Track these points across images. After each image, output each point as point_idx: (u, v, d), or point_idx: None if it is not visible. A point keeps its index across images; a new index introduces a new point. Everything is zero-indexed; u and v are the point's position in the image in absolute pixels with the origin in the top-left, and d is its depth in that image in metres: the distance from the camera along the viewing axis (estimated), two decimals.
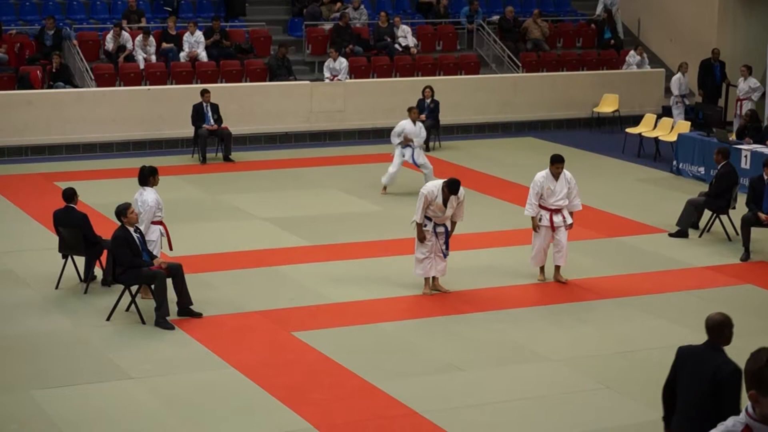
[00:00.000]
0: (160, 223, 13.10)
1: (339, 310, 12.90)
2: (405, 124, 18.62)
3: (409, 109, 19.02)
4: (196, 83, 22.74)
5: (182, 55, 23.41)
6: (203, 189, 18.75)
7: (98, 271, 13.58)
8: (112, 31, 23.10)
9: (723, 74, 24.54)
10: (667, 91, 25.94)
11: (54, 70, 21.95)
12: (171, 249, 13.26)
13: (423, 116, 21.50)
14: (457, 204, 13.18)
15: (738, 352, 11.96)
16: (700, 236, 16.15)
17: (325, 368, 11.16)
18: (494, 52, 25.85)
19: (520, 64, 25.37)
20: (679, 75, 23.82)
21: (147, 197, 12.94)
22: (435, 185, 13.21)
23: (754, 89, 22.89)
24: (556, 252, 13.92)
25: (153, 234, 12.90)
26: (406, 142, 18.51)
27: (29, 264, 14.43)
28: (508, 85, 24.70)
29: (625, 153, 22.17)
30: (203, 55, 23.43)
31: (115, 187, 17.80)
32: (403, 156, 18.50)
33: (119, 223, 12.39)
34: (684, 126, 21.51)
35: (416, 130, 18.61)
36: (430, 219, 13.26)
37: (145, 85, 22.67)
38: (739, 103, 23.02)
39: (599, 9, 27.65)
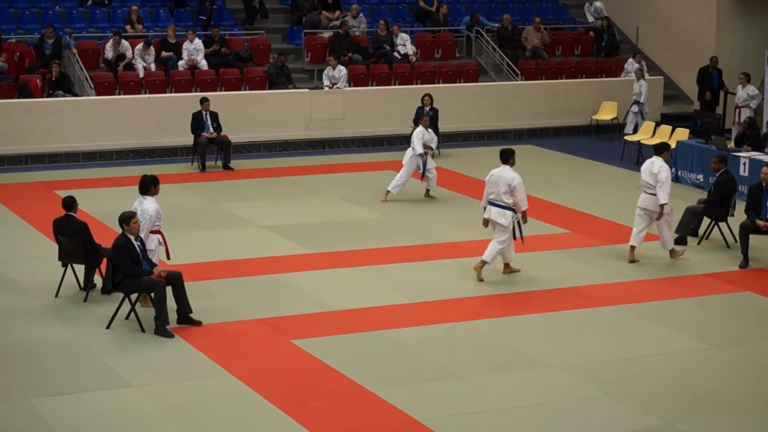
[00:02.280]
0: (158, 232, 13.12)
1: (339, 318, 12.91)
2: (422, 132, 18.60)
3: (421, 117, 19.20)
4: (196, 91, 22.76)
5: (181, 63, 23.44)
6: (203, 197, 18.76)
7: (98, 279, 13.59)
8: (111, 40, 23.13)
9: (721, 82, 24.59)
10: (666, 99, 26.05)
11: (54, 79, 21.98)
12: (169, 258, 13.27)
13: None
14: None
15: (737, 359, 12.02)
16: (698, 243, 16.17)
17: (325, 376, 11.17)
18: (493, 59, 25.89)
19: (519, 72, 25.41)
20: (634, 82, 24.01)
21: (147, 206, 12.96)
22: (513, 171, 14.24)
23: (752, 97, 22.93)
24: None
25: (151, 243, 12.92)
26: (426, 149, 18.54)
27: (29, 272, 14.44)
28: (507, 93, 24.73)
29: (624, 160, 22.20)
30: (203, 63, 23.46)
31: (115, 196, 17.82)
32: (418, 165, 18.46)
33: (119, 231, 12.41)
34: (682, 134, 21.55)
35: (431, 137, 18.71)
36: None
37: (145, 93, 22.69)
38: (737, 110, 23.06)
39: (589, 18, 27.76)
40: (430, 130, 18.84)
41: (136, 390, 10.80)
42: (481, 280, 14.23)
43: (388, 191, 18.49)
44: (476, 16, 26.50)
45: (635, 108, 23.87)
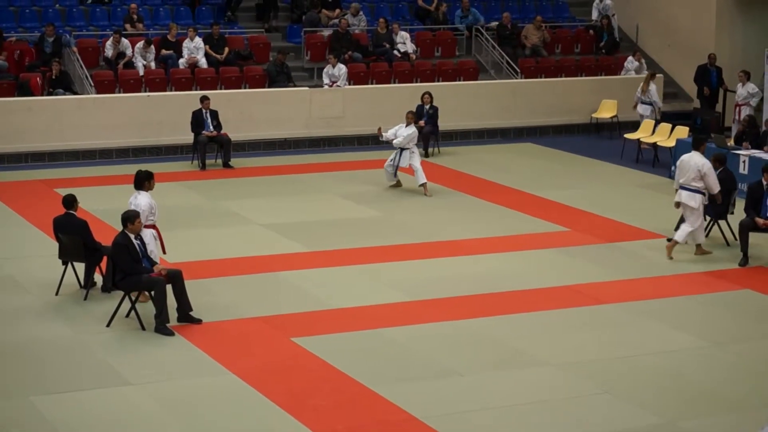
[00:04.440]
0: (153, 227, 13.14)
1: (339, 316, 12.92)
2: (399, 126, 19.05)
3: (407, 113, 19.45)
4: (196, 90, 22.77)
5: (181, 61, 23.44)
6: (203, 195, 18.77)
7: (98, 278, 13.60)
8: (111, 38, 23.13)
9: (720, 79, 24.57)
10: (666, 97, 26.01)
11: (54, 77, 21.98)
12: (164, 252, 13.27)
13: (422, 122, 21.57)
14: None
15: (737, 357, 12.03)
16: None
17: (325, 374, 11.18)
18: (493, 58, 25.89)
19: (518, 70, 25.41)
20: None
21: (140, 201, 13.00)
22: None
23: (752, 95, 22.91)
24: None
25: (145, 238, 12.93)
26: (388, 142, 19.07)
27: (29, 270, 14.45)
28: (506, 91, 24.73)
29: (624, 158, 22.20)
30: (203, 62, 23.46)
31: (115, 194, 17.80)
32: (393, 160, 18.93)
33: (119, 229, 12.41)
34: (682, 132, 21.55)
35: (402, 132, 18.93)
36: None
37: (145, 91, 22.69)
38: (737, 108, 23.04)
39: (594, 15, 27.72)
40: (411, 126, 18.98)
41: (136, 388, 10.80)
42: (671, 258, 15.25)
43: (424, 184, 18.75)
44: (465, 3, 26.39)
45: (648, 109, 23.62)
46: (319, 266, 14.81)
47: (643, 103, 23.58)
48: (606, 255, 15.58)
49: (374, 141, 23.23)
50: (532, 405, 10.53)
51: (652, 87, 23.51)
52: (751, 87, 22.95)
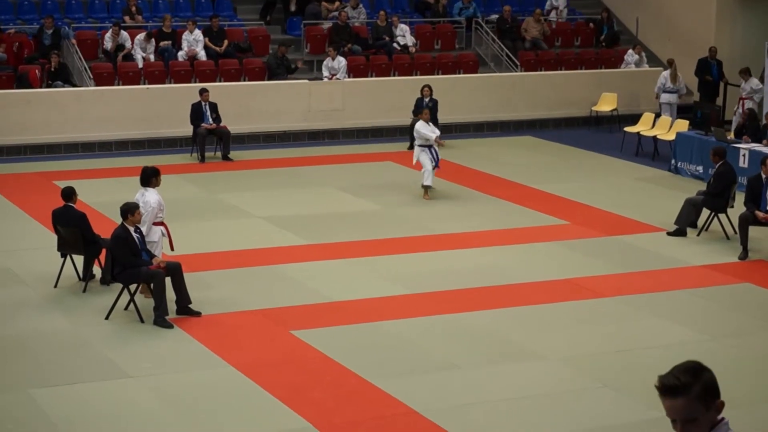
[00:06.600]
0: (162, 223, 13.09)
1: (338, 309, 12.90)
2: (420, 127, 18.41)
3: (422, 111, 18.90)
4: (195, 82, 22.74)
5: (181, 54, 23.41)
6: (202, 188, 18.75)
7: (97, 270, 13.58)
8: (110, 30, 23.11)
9: (720, 73, 24.54)
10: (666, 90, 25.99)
11: (53, 70, 21.95)
12: (172, 249, 13.24)
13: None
14: None
15: (737, 350, 12.02)
16: (698, 235, 16.16)
17: (324, 367, 11.17)
18: (492, 51, 25.86)
19: (518, 63, 25.38)
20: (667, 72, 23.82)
21: (149, 198, 12.92)
22: None
23: (755, 90, 22.82)
24: None
25: (154, 235, 12.89)
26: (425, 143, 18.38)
27: (28, 263, 14.43)
28: (506, 84, 24.71)
29: (624, 152, 22.19)
30: (202, 54, 23.44)
31: (114, 186, 17.81)
32: (428, 157, 18.10)
33: (118, 222, 12.39)
34: (682, 125, 21.52)
35: (432, 130, 18.45)
36: None
37: (144, 84, 22.67)
38: (741, 101, 22.97)
39: (547, 5, 27.73)
40: (430, 123, 18.68)
41: (135, 381, 10.79)
42: None
43: (427, 187, 18.06)
44: None
45: (675, 97, 23.59)
46: (319, 259, 14.79)
47: (667, 92, 23.51)
48: (605, 248, 15.56)
49: (373, 134, 23.25)
50: (531, 399, 10.52)
51: (680, 75, 23.56)
52: (755, 82, 22.89)
